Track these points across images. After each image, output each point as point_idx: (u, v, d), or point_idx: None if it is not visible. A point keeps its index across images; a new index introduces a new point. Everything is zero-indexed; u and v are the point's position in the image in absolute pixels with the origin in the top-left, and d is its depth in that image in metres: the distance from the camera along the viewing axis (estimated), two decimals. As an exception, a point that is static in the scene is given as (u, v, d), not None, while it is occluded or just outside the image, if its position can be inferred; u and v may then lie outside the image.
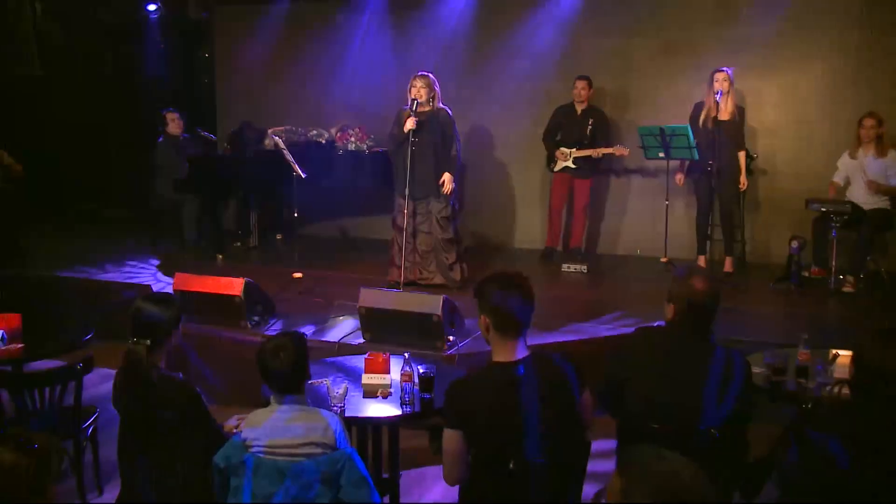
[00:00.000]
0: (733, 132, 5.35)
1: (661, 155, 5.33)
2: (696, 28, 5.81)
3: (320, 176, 6.06)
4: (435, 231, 4.89)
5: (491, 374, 2.27)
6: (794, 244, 5.08)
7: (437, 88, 4.80)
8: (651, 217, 5.82)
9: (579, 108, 5.90)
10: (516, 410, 2.20)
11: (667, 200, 5.45)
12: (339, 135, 6.53)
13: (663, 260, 5.54)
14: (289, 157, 5.35)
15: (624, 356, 2.51)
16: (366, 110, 6.67)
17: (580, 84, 5.85)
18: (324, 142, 6.59)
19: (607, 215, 6.24)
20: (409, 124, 4.62)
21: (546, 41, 6.09)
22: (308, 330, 4.32)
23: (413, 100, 4.69)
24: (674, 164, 5.47)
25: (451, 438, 2.25)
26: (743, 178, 5.44)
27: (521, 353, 2.29)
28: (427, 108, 4.73)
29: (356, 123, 6.55)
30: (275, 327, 4.37)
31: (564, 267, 5.70)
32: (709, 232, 5.52)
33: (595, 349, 3.85)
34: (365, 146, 6.46)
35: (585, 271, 5.67)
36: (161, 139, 6.52)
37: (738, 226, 5.66)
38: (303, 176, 5.29)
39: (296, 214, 5.49)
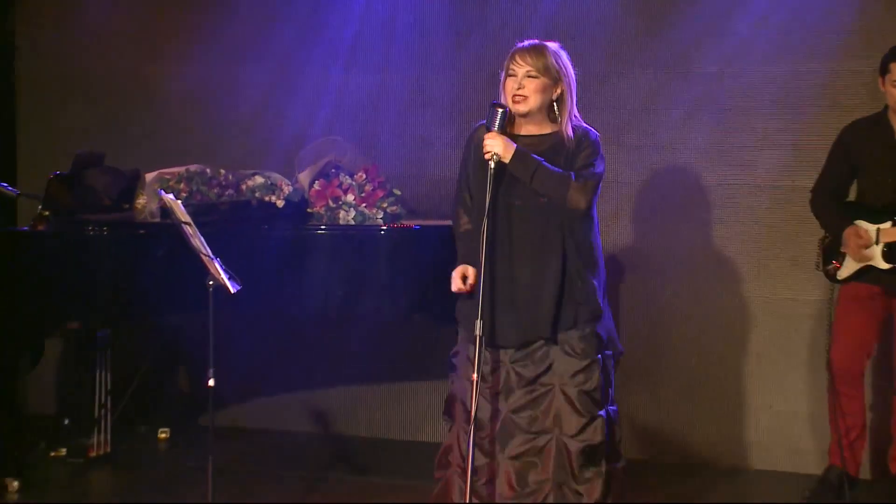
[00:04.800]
0: None
1: None
2: None
3: (269, 289, 5.04)
4: (559, 413, 3.97)
5: None
6: None
7: (570, 80, 3.97)
8: None
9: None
10: None
11: None
12: (315, 190, 5.14)
13: None
14: (196, 241, 4.41)
15: None
16: (381, 130, 5.91)
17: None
18: (281, 205, 5.19)
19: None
20: (501, 153, 3.89)
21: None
22: None
23: (502, 109, 3.92)
24: None
25: None
26: None
27: None
28: (541, 126, 4.00)
29: (356, 161, 5.40)
30: None
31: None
32: None
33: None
34: (379, 216, 5.10)
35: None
36: None
37: None
38: (231, 290, 4.37)
39: (211, 381, 4.46)
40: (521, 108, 3.88)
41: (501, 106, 3.85)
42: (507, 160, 3.81)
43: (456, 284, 3.93)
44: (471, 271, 3.88)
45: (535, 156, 3.82)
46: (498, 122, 3.86)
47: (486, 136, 3.86)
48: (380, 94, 6.01)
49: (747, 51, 5.26)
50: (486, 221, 3.79)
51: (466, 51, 5.84)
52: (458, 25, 5.93)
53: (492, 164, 3.83)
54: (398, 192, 5.24)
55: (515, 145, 3.80)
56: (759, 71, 5.26)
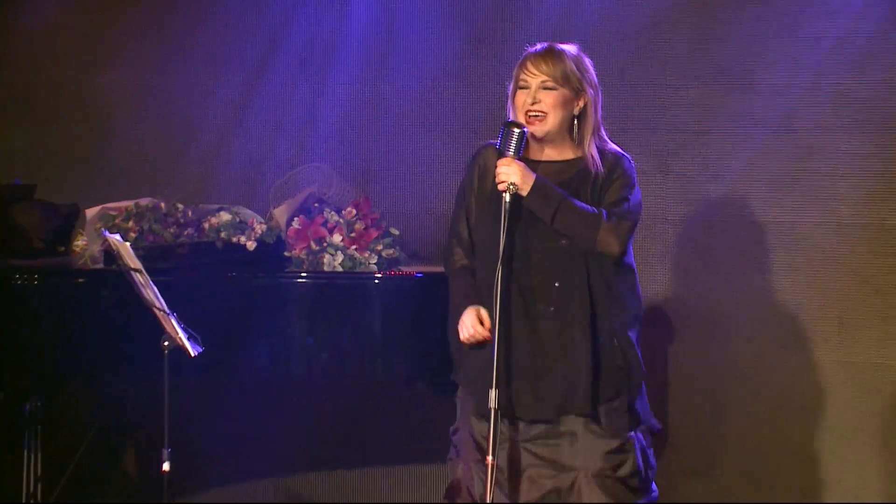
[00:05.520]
0: None
1: None
2: None
3: (237, 350, 4.93)
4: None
5: None
6: None
7: (594, 90, 3.90)
8: None
9: None
10: None
11: None
12: (294, 229, 5.10)
13: None
14: (148, 293, 4.43)
15: None
16: (375, 155, 5.73)
17: None
18: (252, 247, 5.14)
19: None
20: (519, 183, 3.86)
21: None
22: None
23: (519, 129, 3.83)
24: None
25: None
26: None
27: None
28: (561, 150, 3.97)
29: (344, 194, 5.26)
30: None
31: None
32: None
33: None
34: (372, 261, 5.04)
35: None
36: None
37: None
38: (191, 353, 4.32)
39: (165, 465, 4.48)
40: (537, 127, 3.75)
41: (518, 125, 3.67)
42: (525, 193, 3.67)
43: (470, 331, 3.72)
44: (485, 314, 3.71)
45: (557, 188, 3.72)
46: (514, 145, 3.68)
47: (501, 162, 3.67)
48: (373, 111, 5.67)
49: (828, 59, 5.06)
50: (500, 268, 3.63)
51: (480, 58, 5.49)
52: (469, 27, 5.55)
53: (507, 198, 3.63)
54: (396, 232, 5.01)
55: (535, 175, 3.67)
56: (840, 83, 5.06)
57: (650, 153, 4.49)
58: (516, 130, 3.64)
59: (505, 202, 3.60)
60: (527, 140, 3.68)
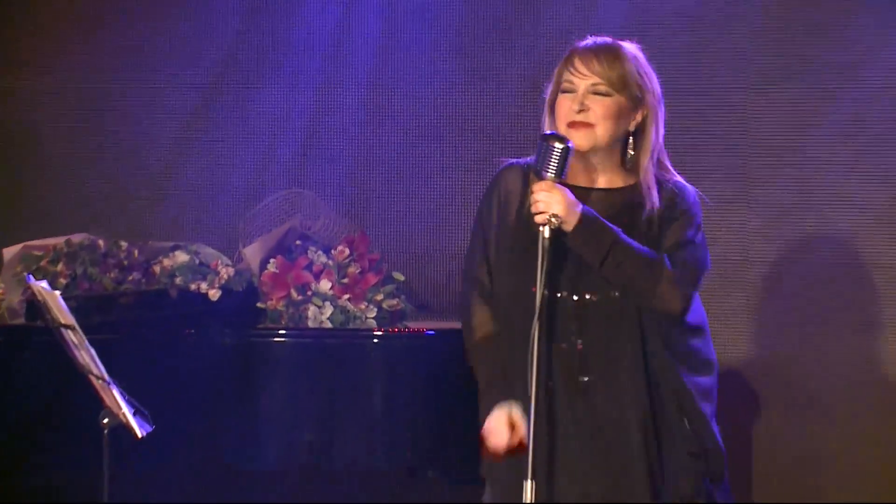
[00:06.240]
0: None
1: None
2: None
3: (198, 429, 4.83)
4: None
5: None
6: None
7: (656, 102, 3.52)
8: None
9: None
10: None
11: None
12: (270, 273, 4.88)
13: None
14: (82, 355, 4.11)
15: None
16: (373, 178, 5.46)
17: None
18: (216, 296, 4.91)
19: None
20: (562, 215, 3.58)
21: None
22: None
23: (562, 144, 3.47)
24: None
25: None
26: None
27: None
28: (610, 174, 3.67)
29: (334, 228, 5.03)
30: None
31: None
32: None
33: None
34: (371, 314, 4.84)
35: None
36: None
37: None
38: (138, 433, 3.99)
39: None
40: (583, 140, 3.43)
41: (561, 139, 3.28)
42: (569, 227, 3.31)
43: (499, 438, 3.39)
44: (518, 416, 3.36)
45: (610, 224, 3.38)
46: (555, 164, 3.30)
47: (538, 186, 3.31)
48: (371, 121, 5.30)
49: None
50: (536, 325, 3.29)
51: (503, 59, 5.18)
52: (499, 20, 5.25)
53: (545, 233, 3.27)
54: (400, 277, 4.68)
55: (582, 205, 3.35)
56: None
57: (725, 176, 4.40)
58: (558, 145, 3.20)
59: (543, 239, 3.20)
60: (568, 160, 3.30)
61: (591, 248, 3.33)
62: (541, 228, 3.20)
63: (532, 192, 3.26)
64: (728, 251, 4.97)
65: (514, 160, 3.43)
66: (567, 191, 3.29)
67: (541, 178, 3.23)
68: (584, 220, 3.28)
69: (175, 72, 5.47)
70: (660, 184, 3.37)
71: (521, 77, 4.93)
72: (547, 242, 3.22)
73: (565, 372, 3.40)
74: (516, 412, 3.31)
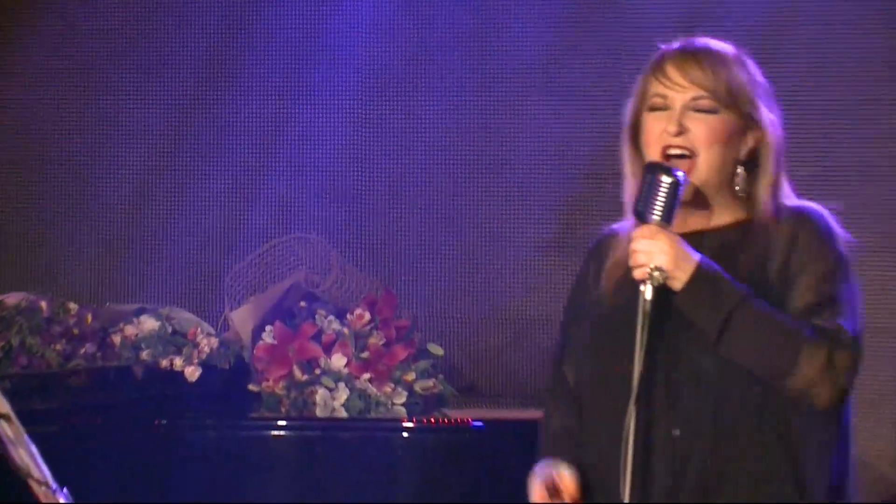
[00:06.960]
0: None
1: None
2: None
3: None
4: None
5: None
6: None
7: (774, 118, 3.26)
8: None
9: None
10: None
11: None
12: (267, 345, 4.76)
13: None
14: (20, 453, 3.34)
15: None
16: (402, 221, 5.32)
17: None
18: (194, 375, 4.64)
19: None
20: (669, 268, 3.57)
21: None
22: None
23: (670, 178, 3.44)
24: None
25: None
26: None
27: None
28: (721, 209, 3.55)
29: (350, 285, 4.83)
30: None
31: None
32: None
33: None
34: (399, 399, 4.58)
35: None
36: None
37: None
38: None
39: None
40: (687, 173, 3.33)
41: (668, 171, 3.00)
42: (678, 284, 3.07)
43: (540, 495, 3.23)
44: (567, 475, 3.12)
45: (734, 280, 3.08)
46: (662, 203, 3.07)
47: (639, 232, 3.11)
48: (398, 150, 4.99)
49: None
50: (632, 410, 3.04)
51: (582, 67, 4.69)
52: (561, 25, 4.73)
53: (648, 291, 3.02)
54: (439, 352, 4.42)
55: (698, 256, 3.12)
56: None
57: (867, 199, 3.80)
58: (665, 179, 2.85)
59: (644, 300, 2.81)
60: (681, 191, 2.96)
61: (707, 313, 2.97)
62: (641, 287, 2.82)
63: (632, 241, 2.86)
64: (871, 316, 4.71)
65: (615, 226, 3.05)
66: (679, 238, 2.90)
67: (644, 221, 2.84)
68: (700, 275, 2.94)
69: (141, 95, 5.13)
70: (780, 211, 2.98)
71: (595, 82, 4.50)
72: (647, 305, 2.83)
73: (663, 469, 2.99)
74: (565, 471, 2.95)
